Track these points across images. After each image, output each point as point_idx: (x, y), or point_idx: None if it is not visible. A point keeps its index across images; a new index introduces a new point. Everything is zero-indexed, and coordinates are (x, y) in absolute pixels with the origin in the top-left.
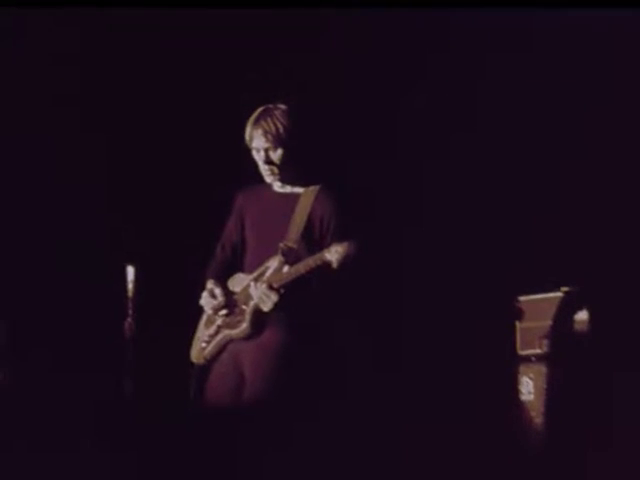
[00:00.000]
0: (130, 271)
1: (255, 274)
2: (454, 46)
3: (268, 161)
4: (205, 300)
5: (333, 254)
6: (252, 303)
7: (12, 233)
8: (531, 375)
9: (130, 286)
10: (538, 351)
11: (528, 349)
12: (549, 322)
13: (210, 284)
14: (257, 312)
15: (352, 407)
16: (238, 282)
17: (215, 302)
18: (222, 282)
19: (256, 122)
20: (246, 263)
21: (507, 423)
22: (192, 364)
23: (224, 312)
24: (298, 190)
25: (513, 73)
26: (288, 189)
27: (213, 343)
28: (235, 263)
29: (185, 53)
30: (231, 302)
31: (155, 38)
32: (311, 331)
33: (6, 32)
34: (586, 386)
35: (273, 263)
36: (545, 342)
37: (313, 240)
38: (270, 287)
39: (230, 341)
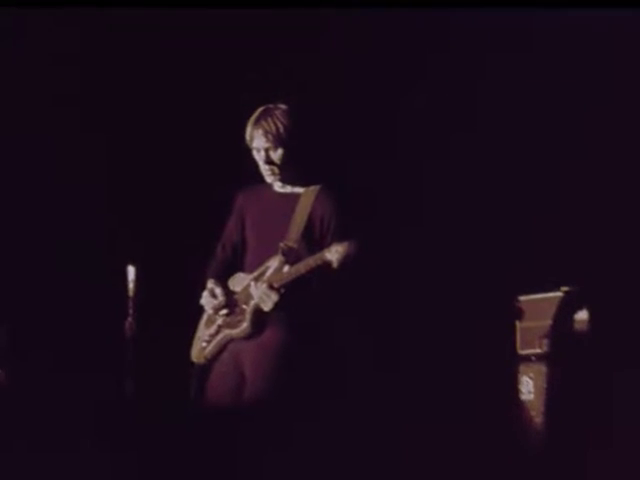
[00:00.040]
0: (131, 271)
1: (255, 274)
2: (454, 46)
3: (268, 161)
4: (205, 300)
5: (333, 254)
6: (252, 303)
7: (12, 233)
8: (531, 374)
9: (131, 286)
10: (538, 351)
11: (528, 349)
12: (549, 322)
13: (210, 284)
14: (257, 312)
15: (352, 407)
16: (238, 282)
17: (215, 302)
18: (222, 282)
19: (256, 122)
20: (246, 263)
21: (507, 422)
22: (192, 364)
23: (224, 312)
24: (298, 190)
25: (513, 73)
26: (288, 189)
27: (213, 343)
28: (235, 263)
29: (185, 53)
30: (231, 302)
31: (155, 38)
32: (311, 331)
33: (6, 32)
34: (586, 386)
35: (273, 263)
36: (545, 342)
37: (313, 240)
38: (270, 287)
39: (230, 341)
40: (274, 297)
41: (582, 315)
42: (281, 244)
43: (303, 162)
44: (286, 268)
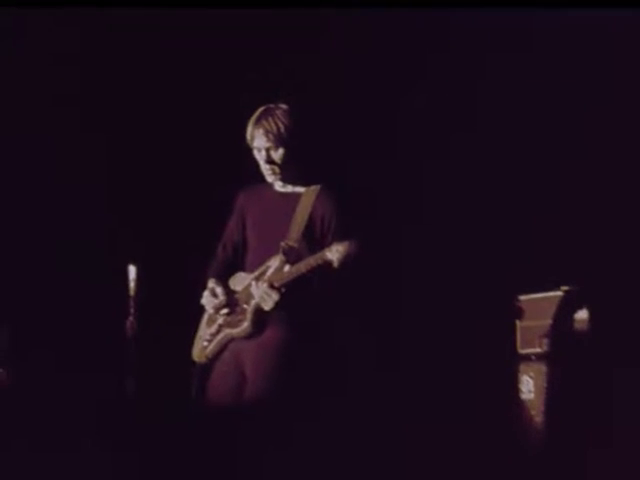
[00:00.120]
0: (132, 270)
1: (256, 273)
2: (454, 46)
3: (269, 161)
4: (206, 299)
5: (334, 253)
6: (253, 302)
7: (13, 233)
8: (531, 374)
9: (132, 285)
10: (538, 350)
11: (528, 348)
12: (549, 321)
13: (211, 283)
14: (258, 311)
15: (353, 406)
16: (239, 281)
17: (216, 301)
18: (223, 281)
19: (257, 122)
20: (247, 262)
21: (507, 422)
22: (194, 363)
23: (225, 311)
24: (299, 189)
25: (513, 73)
26: (289, 188)
27: (214, 342)
28: (236, 262)
29: (185, 53)
30: (232, 301)
31: (155, 38)
32: (312, 330)
33: (6, 32)
34: (586, 385)
35: (274, 262)
36: (545, 341)
37: (314, 239)
38: (271, 286)
39: (231, 340)
40: (275, 296)
41: (582, 314)
42: (282, 243)
43: (304, 162)
44: (287, 267)
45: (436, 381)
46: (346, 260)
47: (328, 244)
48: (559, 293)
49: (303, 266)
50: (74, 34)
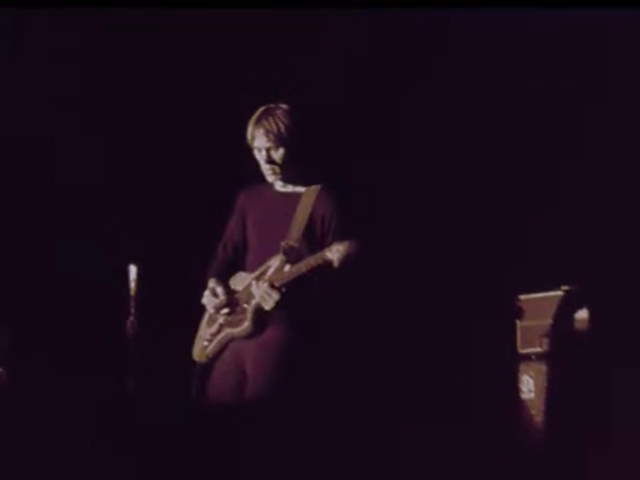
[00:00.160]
0: (132, 270)
1: (257, 273)
2: (454, 46)
3: (270, 160)
4: (207, 299)
5: (334, 253)
6: (254, 302)
7: (14, 233)
8: (531, 373)
9: (132, 285)
10: (538, 349)
11: (528, 347)
12: (549, 321)
13: (212, 283)
14: (259, 311)
15: (353, 405)
16: (240, 281)
17: (217, 301)
18: (224, 281)
19: (258, 122)
20: (248, 262)
21: (507, 421)
22: (194, 362)
23: (226, 311)
24: (299, 189)
25: (513, 73)
26: (290, 188)
27: (215, 342)
28: (237, 262)
29: (185, 53)
30: (233, 301)
31: (155, 38)
32: (312, 329)
33: (6, 32)
34: (586, 384)
35: (275, 262)
36: (545, 341)
37: (314, 239)
38: (272, 286)
39: (232, 339)
40: (275, 296)
41: (582, 314)
42: (282, 243)
43: (304, 162)
44: (287, 267)
45: (436, 381)
46: (346, 260)
47: (328, 244)
48: (559, 293)
49: (303, 266)
50: (74, 34)
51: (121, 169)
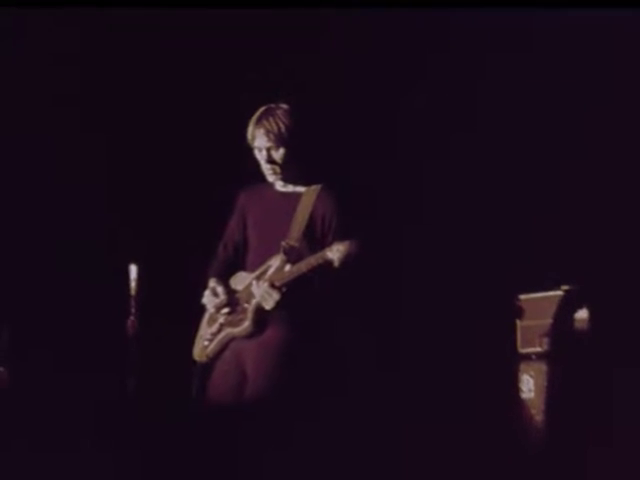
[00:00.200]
0: (133, 269)
1: (257, 272)
2: (454, 46)
3: (270, 160)
4: (207, 298)
5: (335, 253)
6: (254, 301)
7: (14, 233)
8: (531, 373)
9: (133, 284)
10: (538, 349)
11: (529, 347)
12: (549, 320)
13: (212, 282)
14: (259, 310)
15: (353, 405)
16: (240, 280)
17: (217, 300)
18: (224, 280)
19: (258, 121)
20: (248, 262)
21: (508, 421)
22: (195, 362)
23: (226, 310)
24: (300, 189)
25: (513, 73)
26: (290, 188)
27: (215, 341)
28: (237, 262)
29: (185, 53)
30: (233, 300)
31: (155, 38)
32: (313, 329)
33: (6, 32)
34: (586, 384)
35: (275, 262)
36: (545, 340)
37: (315, 239)
38: (272, 285)
39: (232, 339)
40: (276, 296)
41: (582, 314)
42: (283, 243)
43: (304, 161)
44: (288, 267)
45: (437, 380)
46: (347, 259)
47: (329, 243)
48: (559, 292)
49: (304, 265)
50: (74, 34)
51: (121, 169)
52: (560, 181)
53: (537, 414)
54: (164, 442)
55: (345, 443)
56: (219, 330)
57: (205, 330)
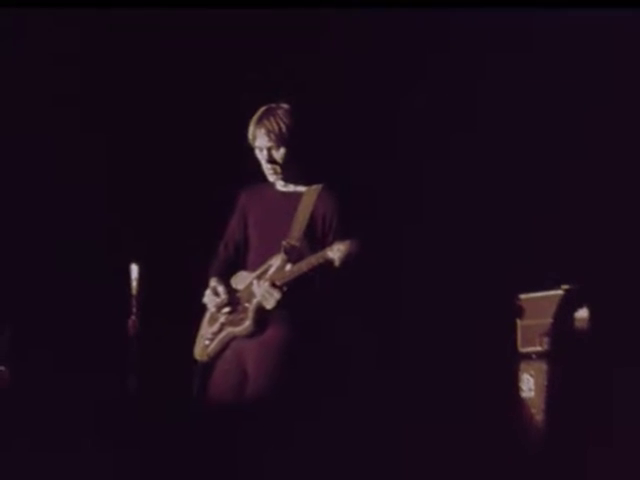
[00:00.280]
0: (134, 269)
1: (258, 272)
2: (454, 46)
3: (271, 160)
4: (208, 298)
5: (335, 252)
6: (255, 301)
7: (14, 233)
8: (532, 372)
9: (134, 284)
10: (539, 348)
11: (529, 346)
12: (550, 320)
13: (213, 282)
14: (260, 310)
15: (354, 404)
16: (241, 280)
17: (218, 300)
18: (225, 280)
19: (259, 121)
20: (249, 261)
21: (508, 420)
22: (195, 361)
23: (227, 310)
24: (301, 189)
25: (513, 73)
26: (291, 188)
27: (216, 340)
28: (238, 261)
29: (185, 53)
30: (234, 300)
31: (155, 38)
32: (313, 329)
33: (6, 32)
34: (586, 383)
35: (276, 261)
36: (546, 339)
37: (315, 238)
38: (273, 285)
39: (233, 338)
40: (276, 295)
41: (582, 313)
42: (283, 242)
43: (305, 161)
44: (288, 266)
45: (437, 379)
46: (347, 259)
47: (329, 243)
48: (559, 292)
49: (304, 265)
50: (74, 34)
51: (122, 169)
52: (560, 181)
53: (537, 413)
54: (165, 441)
55: (346, 442)
56: (220, 329)
57: (206, 329)
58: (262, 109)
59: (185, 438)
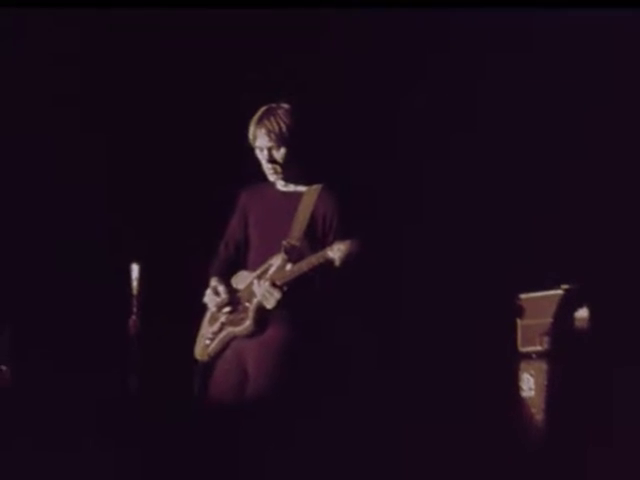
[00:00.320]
0: (135, 269)
1: (258, 272)
2: (454, 46)
3: (271, 160)
4: (209, 297)
5: (336, 252)
6: (255, 300)
7: (14, 233)
8: (532, 372)
9: (135, 284)
10: (539, 348)
11: (529, 346)
12: (550, 319)
13: (214, 282)
14: (260, 309)
15: (354, 404)
16: (241, 280)
17: (219, 299)
18: (226, 280)
19: (259, 121)
20: (249, 261)
21: (508, 419)
22: (196, 361)
23: (228, 309)
24: (301, 189)
25: (513, 73)
26: (291, 188)
27: (217, 340)
28: (238, 261)
29: (185, 53)
30: (234, 299)
31: (155, 38)
32: (314, 328)
33: (6, 32)
34: (586, 383)
35: (276, 261)
36: (546, 339)
37: (316, 238)
38: (273, 285)
39: (233, 338)
40: (277, 295)
41: (582, 313)
42: (284, 242)
43: (305, 161)
44: (289, 266)
45: (437, 379)
46: (348, 259)
47: (330, 243)
48: (559, 292)
49: (305, 265)
50: (74, 34)
51: (122, 169)
52: (560, 181)
53: (537, 413)
54: (166, 441)
55: (346, 442)
56: (220, 329)
57: (206, 329)
58: (262, 109)
59: (186, 438)
